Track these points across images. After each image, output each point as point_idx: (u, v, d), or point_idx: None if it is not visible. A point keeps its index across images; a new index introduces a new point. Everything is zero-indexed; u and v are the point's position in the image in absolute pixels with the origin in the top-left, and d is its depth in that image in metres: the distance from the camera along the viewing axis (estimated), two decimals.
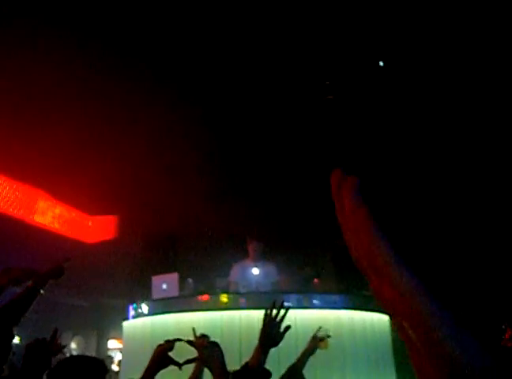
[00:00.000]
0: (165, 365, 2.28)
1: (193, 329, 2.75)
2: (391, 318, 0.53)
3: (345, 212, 0.57)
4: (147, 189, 10.13)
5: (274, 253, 6.55)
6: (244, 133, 9.91)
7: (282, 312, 2.05)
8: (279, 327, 2.05)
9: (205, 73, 9.94)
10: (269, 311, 2.05)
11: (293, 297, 5.08)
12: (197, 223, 9.39)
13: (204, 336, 2.15)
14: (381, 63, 11.16)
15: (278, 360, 4.52)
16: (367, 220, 0.54)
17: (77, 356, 1.98)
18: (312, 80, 9.56)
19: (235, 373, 2.04)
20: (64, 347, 3.91)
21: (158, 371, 2.27)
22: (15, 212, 10.72)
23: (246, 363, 2.06)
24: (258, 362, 2.00)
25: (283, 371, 4.59)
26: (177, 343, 2.28)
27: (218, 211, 9.01)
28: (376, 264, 0.52)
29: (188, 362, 2.18)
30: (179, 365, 2.20)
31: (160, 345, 2.34)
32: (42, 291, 2.14)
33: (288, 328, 2.06)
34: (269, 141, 9.73)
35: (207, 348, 2.03)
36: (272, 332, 2.03)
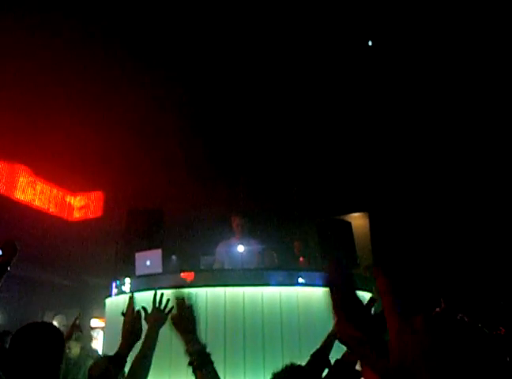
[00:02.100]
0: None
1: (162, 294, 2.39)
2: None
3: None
4: (131, 166, 9.98)
5: (260, 229, 6.50)
6: (230, 108, 9.78)
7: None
8: None
9: (190, 50, 9.75)
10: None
11: (278, 274, 5.04)
12: (183, 199, 9.29)
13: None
14: (370, 43, 11.05)
15: (263, 337, 4.50)
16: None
17: (34, 323, 1.95)
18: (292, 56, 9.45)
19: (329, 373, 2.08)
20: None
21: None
22: None
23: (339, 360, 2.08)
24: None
25: (267, 348, 4.58)
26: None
27: (204, 187, 8.92)
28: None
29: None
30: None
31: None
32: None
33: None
34: (256, 117, 9.62)
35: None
36: None
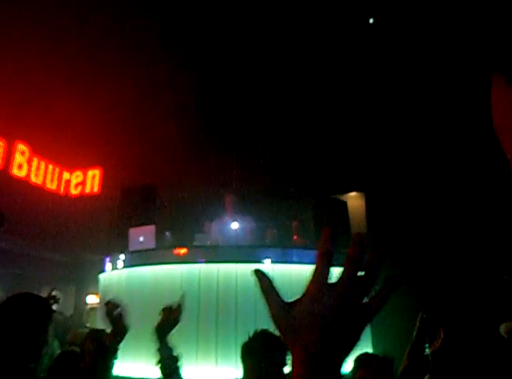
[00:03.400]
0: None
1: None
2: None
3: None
4: (127, 143, 9.91)
5: (255, 207, 6.48)
6: (225, 85, 9.67)
7: None
8: None
9: (184, 26, 9.58)
10: None
11: (272, 251, 5.03)
12: (177, 176, 9.25)
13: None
14: (371, 20, 10.86)
15: (255, 313, 4.51)
16: None
17: (21, 293, 1.94)
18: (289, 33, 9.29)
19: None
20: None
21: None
22: None
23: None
24: None
25: (259, 325, 4.60)
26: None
27: (199, 164, 8.87)
28: None
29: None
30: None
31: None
32: None
33: None
34: (251, 94, 9.51)
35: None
36: None
